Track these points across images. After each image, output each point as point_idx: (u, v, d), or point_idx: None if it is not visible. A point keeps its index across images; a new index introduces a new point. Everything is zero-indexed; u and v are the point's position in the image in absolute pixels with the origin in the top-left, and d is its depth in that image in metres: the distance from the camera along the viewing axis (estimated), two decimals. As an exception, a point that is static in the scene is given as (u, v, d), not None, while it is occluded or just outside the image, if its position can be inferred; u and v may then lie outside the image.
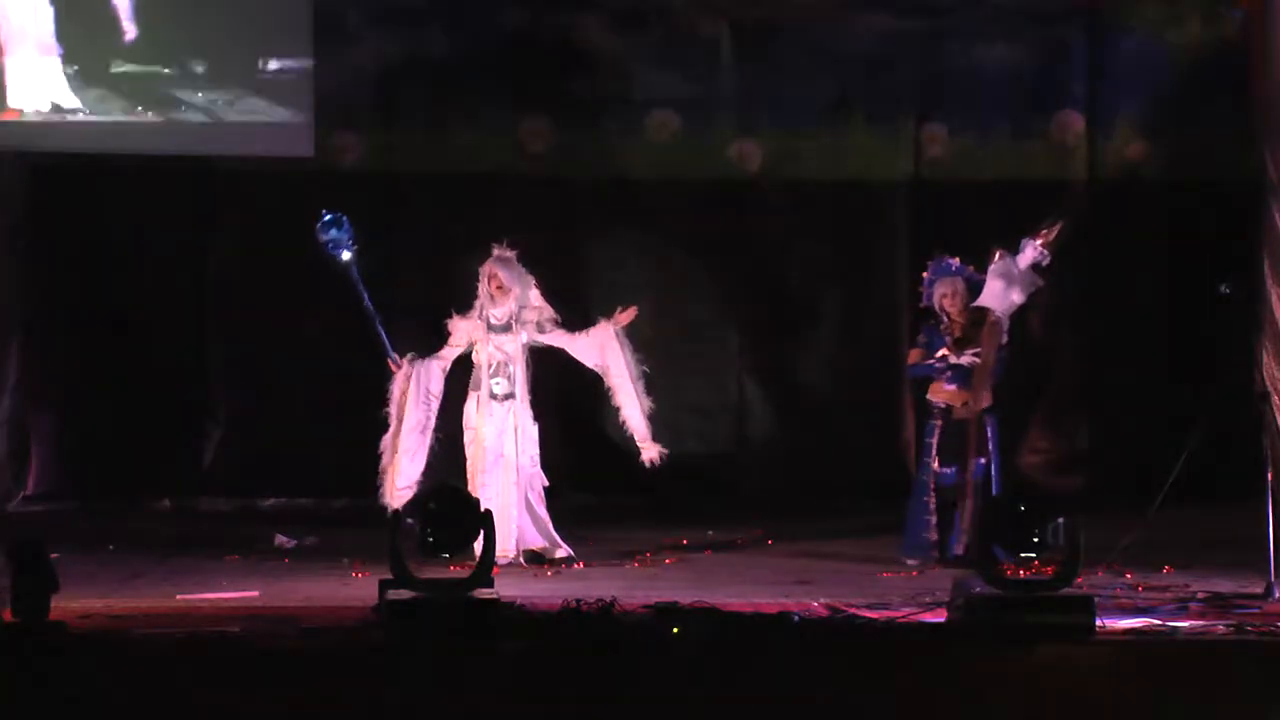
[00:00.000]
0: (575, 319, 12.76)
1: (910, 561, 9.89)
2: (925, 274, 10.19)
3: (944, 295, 10.06)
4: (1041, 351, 12.97)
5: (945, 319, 10.07)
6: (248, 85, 12.47)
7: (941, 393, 10.04)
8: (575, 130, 12.83)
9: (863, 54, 12.90)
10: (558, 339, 10.24)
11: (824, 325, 12.98)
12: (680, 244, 12.99)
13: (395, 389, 10.19)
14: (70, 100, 12.36)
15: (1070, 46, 13.05)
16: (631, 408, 10.22)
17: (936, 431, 9.99)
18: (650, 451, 10.20)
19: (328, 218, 10.17)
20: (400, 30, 12.73)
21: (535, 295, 10.26)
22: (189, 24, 12.42)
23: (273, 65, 12.49)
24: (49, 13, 12.31)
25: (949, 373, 10.02)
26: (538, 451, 10.19)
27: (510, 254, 10.20)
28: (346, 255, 10.16)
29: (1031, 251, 9.99)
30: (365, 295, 10.15)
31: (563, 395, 12.86)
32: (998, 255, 10.00)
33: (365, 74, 12.70)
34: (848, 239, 12.92)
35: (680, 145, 12.93)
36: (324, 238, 10.17)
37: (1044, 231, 10.03)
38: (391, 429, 10.15)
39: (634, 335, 12.96)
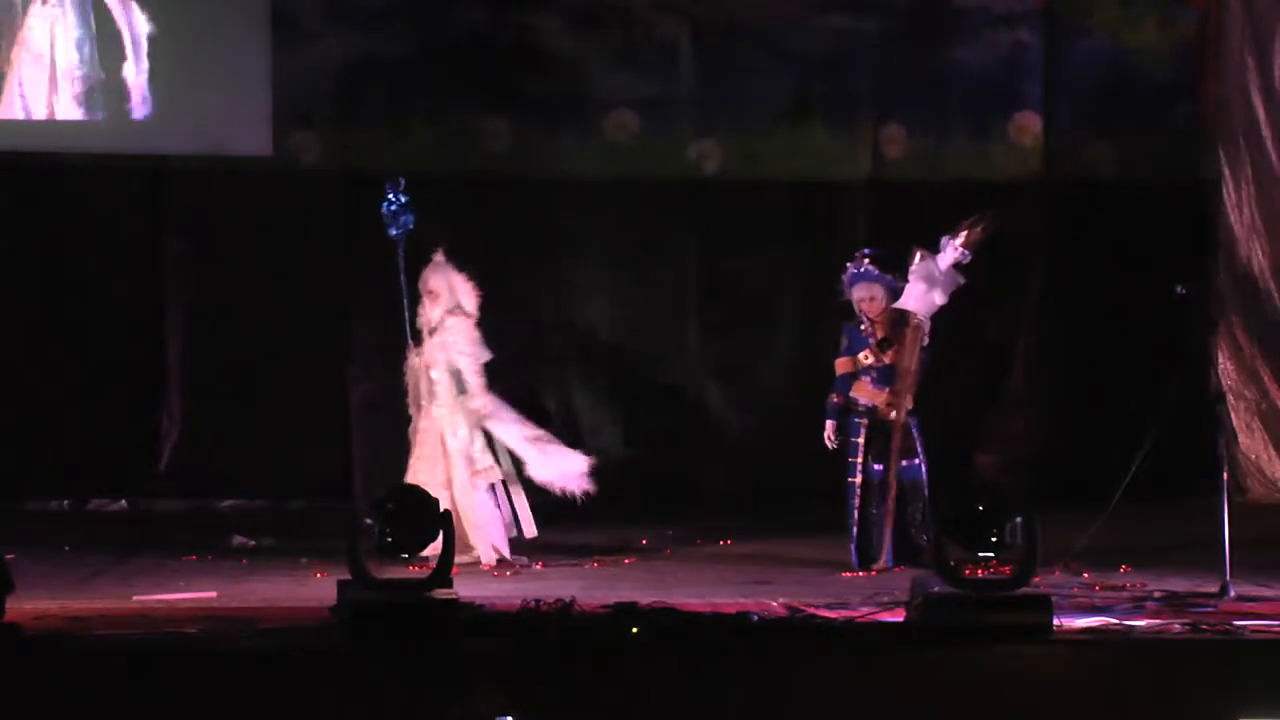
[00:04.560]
0: (529, 322, 12.80)
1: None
2: (845, 275, 10.07)
3: (862, 300, 9.99)
4: (998, 351, 13.02)
5: (866, 321, 10.02)
6: (205, 83, 12.40)
7: (866, 391, 9.99)
8: (534, 130, 12.82)
9: (821, 55, 12.92)
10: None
11: (783, 325, 13.00)
12: (639, 244, 13.00)
13: (409, 381, 10.19)
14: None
15: (1027, 48, 13.10)
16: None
17: (863, 430, 9.94)
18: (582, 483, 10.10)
19: (403, 200, 10.13)
20: (359, 29, 12.68)
21: (465, 313, 10.17)
22: (145, 21, 12.36)
23: (230, 63, 12.43)
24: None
25: (874, 373, 10.00)
26: (475, 451, 10.11)
27: (440, 259, 10.19)
28: (395, 232, 10.13)
29: (952, 251, 9.95)
30: (403, 274, 10.15)
31: (525, 393, 12.88)
32: (919, 256, 9.93)
33: (324, 72, 12.65)
34: (806, 239, 12.93)
35: (639, 145, 12.93)
36: (390, 211, 10.14)
37: (964, 231, 10.01)
38: (415, 422, 10.17)
39: (592, 335, 13.03)
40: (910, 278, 9.91)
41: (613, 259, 12.97)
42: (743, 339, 13.04)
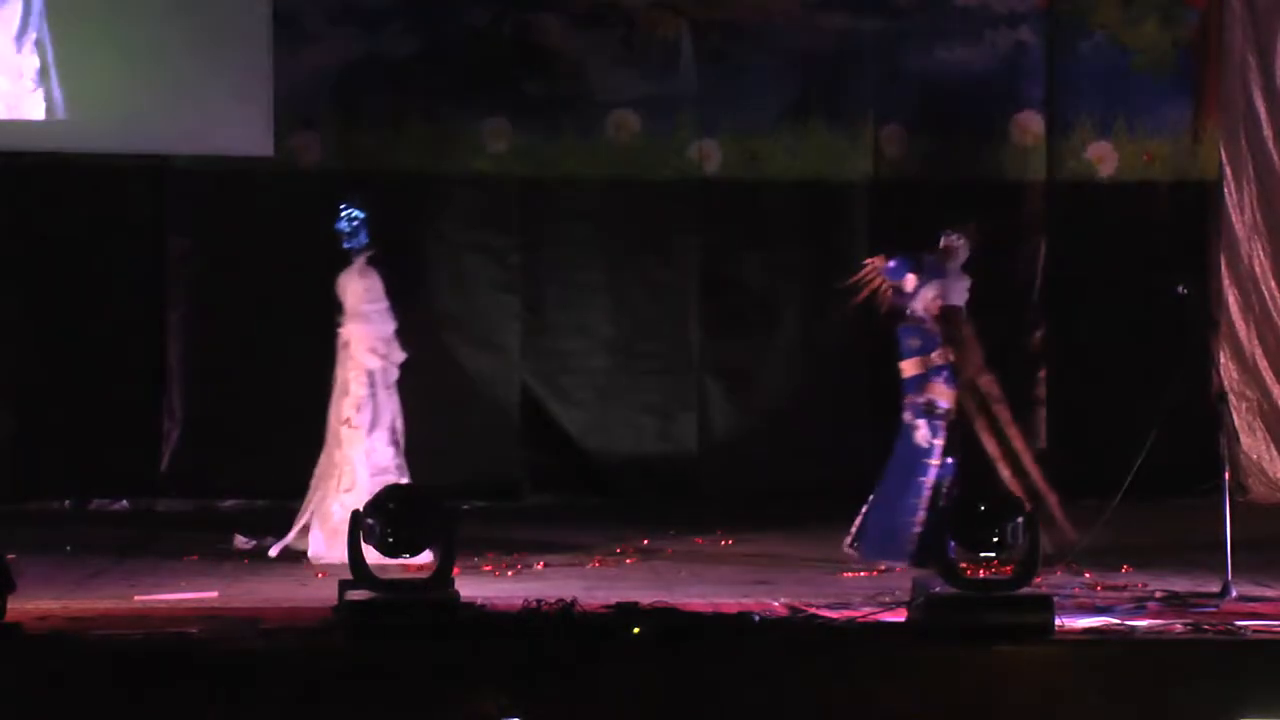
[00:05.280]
0: (528, 321, 12.81)
1: (880, 562, 9.81)
2: (911, 276, 9.89)
3: (934, 298, 9.90)
4: (998, 351, 13.00)
5: (929, 319, 9.90)
6: (206, 83, 12.40)
7: (944, 392, 9.87)
8: (535, 130, 12.82)
9: (823, 55, 12.93)
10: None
11: (784, 325, 13.00)
12: (640, 244, 13.00)
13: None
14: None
15: (1028, 48, 13.11)
16: None
17: (942, 432, 9.83)
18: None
19: (360, 217, 10.20)
20: (359, 29, 12.69)
21: (362, 319, 10.20)
22: (148, 22, 12.36)
23: (232, 64, 12.43)
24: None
25: (945, 371, 9.96)
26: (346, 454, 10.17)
27: (355, 265, 10.23)
28: (349, 245, 10.26)
29: (965, 251, 9.99)
30: None
31: (522, 395, 12.89)
32: (958, 254, 9.97)
33: (325, 73, 12.66)
34: (807, 239, 12.94)
35: (640, 145, 12.93)
36: (350, 228, 10.22)
37: (974, 231, 10.01)
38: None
39: (593, 335, 13.03)
40: (952, 275, 9.92)
41: (613, 259, 12.96)
42: (743, 339, 13.04)
